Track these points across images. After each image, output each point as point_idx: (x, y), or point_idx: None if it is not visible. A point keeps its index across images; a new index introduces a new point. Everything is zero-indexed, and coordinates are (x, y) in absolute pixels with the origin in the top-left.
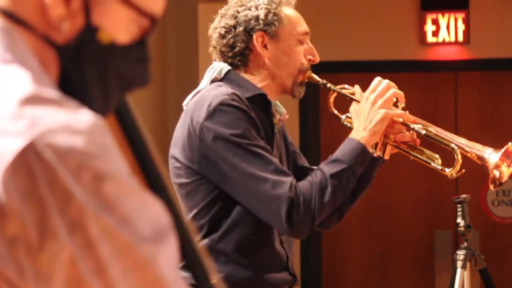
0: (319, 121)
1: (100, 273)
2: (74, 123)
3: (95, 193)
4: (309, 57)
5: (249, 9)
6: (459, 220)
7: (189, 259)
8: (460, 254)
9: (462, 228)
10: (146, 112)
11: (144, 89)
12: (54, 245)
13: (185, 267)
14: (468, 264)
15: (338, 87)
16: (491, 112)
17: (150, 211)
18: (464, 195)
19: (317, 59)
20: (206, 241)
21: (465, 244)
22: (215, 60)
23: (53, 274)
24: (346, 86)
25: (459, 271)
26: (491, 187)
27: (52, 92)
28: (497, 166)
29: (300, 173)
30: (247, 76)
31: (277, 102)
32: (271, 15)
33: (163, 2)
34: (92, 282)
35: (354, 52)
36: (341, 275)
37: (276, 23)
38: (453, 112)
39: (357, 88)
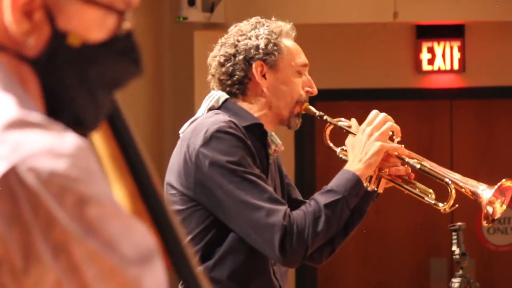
0: (315, 153)
1: None
2: (58, 147)
3: (78, 217)
4: (307, 88)
5: (250, 38)
6: (454, 247)
7: (188, 285)
8: (455, 282)
9: (457, 256)
10: (142, 139)
11: (140, 109)
12: (39, 269)
13: None
14: None
15: (335, 120)
16: (487, 140)
17: (135, 234)
18: (459, 223)
19: (315, 91)
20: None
21: (461, 272)
22: (213, 89)
23: None
24: (343, 119)
25: None
26: (484, 223)
27: (37, 116)
28: (490, 202)
29: (294, 206)
30: (244, 105)
31: (273, 133)
32: (271, 45)
33: None
34: None
35: (350, 80)
36: None
37: (276, 53)
38: (449, 140)
39: (353, 121)
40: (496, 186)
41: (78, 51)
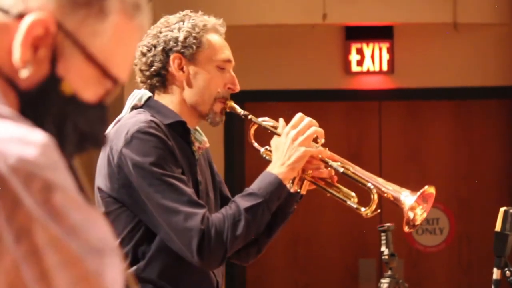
0: (244, 152)
1: (44, 282)
2: (28, 136)
3: (44, 202)
4: (229, 85)
5: (172, 30)
6: (383, 248)
7: None
8: (384, 282)
9: (386, 257)
10: None
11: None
12: None
13: None
14: None
15: (260, 119)
16: (415, 141)
17: (97, 228)
18: (388, 224)
19: (237, 89)
20: (131, 270)
21: (389, 272)
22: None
23: None
24: (267, 118)
25: None
26: (405, 228)
27: (8, 110)
28: (412, 208)
29: (225, 203)
30: (166, 98)
31: (198, 129)
32: (191, 38)
33: (128, 68)
34: None
35: (279, 81)
36: None
37: (194, 46)
38: (378, 141)
39: (281, 122)
40: (418, 193)
41: (66, 99)
